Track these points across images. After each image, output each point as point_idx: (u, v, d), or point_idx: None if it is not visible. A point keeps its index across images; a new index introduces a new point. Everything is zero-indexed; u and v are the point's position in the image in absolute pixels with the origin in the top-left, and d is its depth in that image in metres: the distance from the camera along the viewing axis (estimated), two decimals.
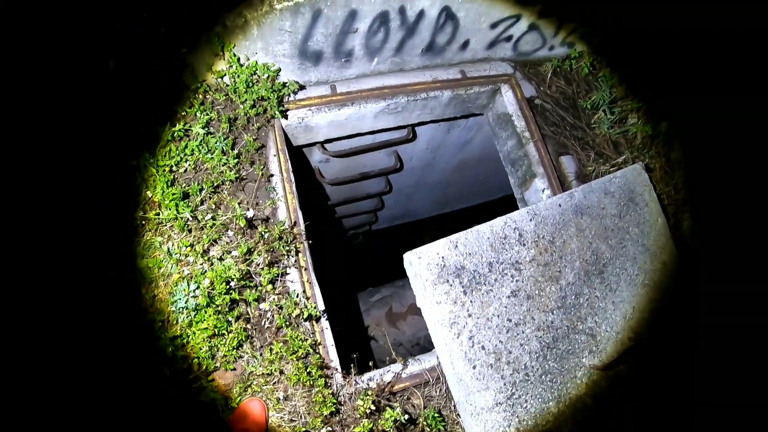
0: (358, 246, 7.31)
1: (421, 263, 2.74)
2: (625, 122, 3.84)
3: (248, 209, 2.80)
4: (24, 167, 2.56)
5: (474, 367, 2.70)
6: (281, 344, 2.63)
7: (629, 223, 3.27)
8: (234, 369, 2.61)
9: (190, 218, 2.72)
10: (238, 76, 3.04)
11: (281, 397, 2.61)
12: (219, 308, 2.54)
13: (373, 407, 2.57)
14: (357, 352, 2.93)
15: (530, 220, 3.01)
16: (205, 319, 2.51)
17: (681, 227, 3.66)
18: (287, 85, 3.21)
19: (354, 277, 7.35)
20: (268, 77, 3.12)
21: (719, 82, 3.46)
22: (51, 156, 2.64)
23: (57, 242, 2.54)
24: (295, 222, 2.99)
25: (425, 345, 6.69)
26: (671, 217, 3.58)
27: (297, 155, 4.09)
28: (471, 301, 2.76)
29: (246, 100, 3.06)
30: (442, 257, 2.77)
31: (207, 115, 2.96)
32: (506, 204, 3.44)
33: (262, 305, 2.69)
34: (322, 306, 2.86)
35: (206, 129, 2.93)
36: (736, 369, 3.08)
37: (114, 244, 2.64)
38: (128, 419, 2.39)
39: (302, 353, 2.63)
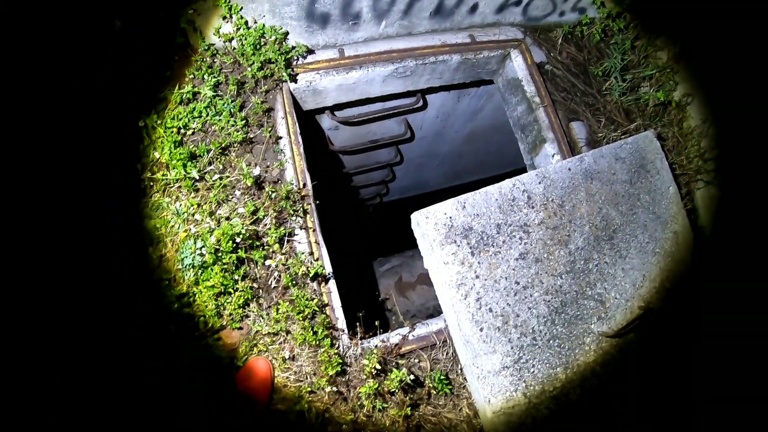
0: (369, 217, 7.31)
1: (428, 223, 2.72)
2: (637, 90, 3.79)
3: (255, 168, 2.79)
4: (30, 127, 2.57)
5: (481, 330, 2.69)
6: (288, 304, 2.63)
7: (640, 190, 3.23)
8: (240, 328, 2.61)
9: (198, 178, 2.72)
10: (246, 39, 3.03)
11: (287, 357, 2.61)
12: (226, 266, 2.55)
13: (379, 367, 2.57)
14: (367, 318, 2.92)
15: (539, 182, 2.98)
16: (211, 277, 2.51)
17: (693, 197, 3.62)
18: (295, 48, 3.19)
19: (365, 247, 7.36)
20: (275, 40, 3.10)
21: (737, 53, 3.41)
22: (59, 118, 2.64)
23: (64, 204, 2.54)
24: (303, 184, 2.98)
25: (434, 315, 6.69)
26: (683, 187, 3.54)
27: (308, 122, 4.08)
28: (479, 263, 2.75)
29: (254, 62, 3.05)
30: (450, 217, 2.75)
31: (215, 77, 2.95)
32: None
33: (268, 262, 2.69)
34: (329, 267, 2.85)
35: (214, 91, 2.93)
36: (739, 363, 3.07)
37: (122, 205, 2.64)
38: (133, 376, 2.40)
39: (308, 313, 2.63)
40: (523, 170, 3.91)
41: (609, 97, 3.78)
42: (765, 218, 3.18)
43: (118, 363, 2.40)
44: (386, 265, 7.32)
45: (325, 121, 4.27)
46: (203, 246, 2.53)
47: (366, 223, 7.39)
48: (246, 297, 2.58)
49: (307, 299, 2.64)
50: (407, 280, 7.07)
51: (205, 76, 2.95)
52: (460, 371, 2.88)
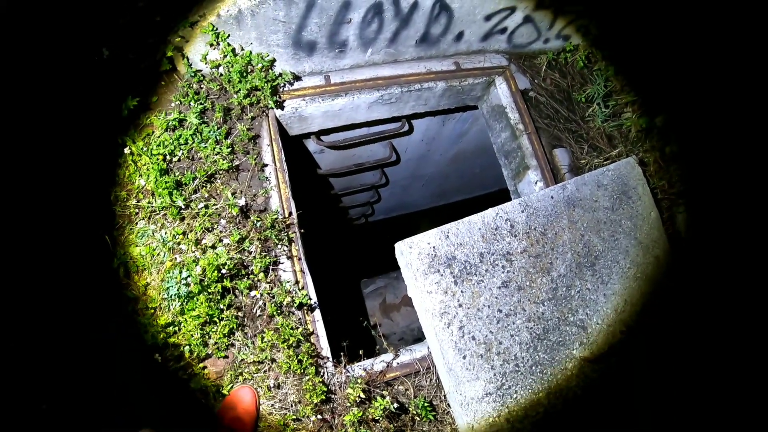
0: (355, 237, 7.32)
1: (412, 253, 2.75)
2: (619, 116, 3.84)
3: (240, 198, 2.81)
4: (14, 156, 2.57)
5: (464, 357, 2.71)
6: (273, 332, 2.64)
7: (622, 216, 3.28)
8: (226, 357, 2.63)
9: (183, 207, 2.73)
10: (232, 66, 3.05)
11: (272, 385, 2.63)
12: (211, 296, 2.56)
13: (363, 396, 2.59)
14: (353, 341, 2.94)
15: (522, 211, 3.02)
16: (196, 307, 2.52)
17: (674, 222, 3.67)
18: (282, 75, 3.22)
19: (350, 268, 7.36)
20: (262, 67, 3.13)
21: (717, 76, 3.47)
22: (43, 147, 2.65)
23: (47, 232, 2.55)
24: (289, 212, 3.00)
25: (419, 336, 6.72)
26: (664, 212, 3.59)
27: (294, 145, 4.10)
28: (462, 291, 2.78)
29: (240, 90, 3.07)
30: (433, 247, 2.79)
31: (201, 104, 2.97)
32: (503, 197, 3.47)
33: (254, 293, 2.70)
34: (313, 295, 2.87)
35: (200, 119, 2.94)
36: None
37: (107, 231, 2.65)
38: (118, 405, 2.41)
39: (293, 342, 2.64)
40: (507, 190, 3.95)
41: (592, 123, 3.84)
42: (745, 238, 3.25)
43: (101, 391, 2.41)
44: (371, 286, 7.33)
45: (311, 144, 4.29)
46: (189, 276, 2.54)
47: (351, 244, 7.40)
48: (231, 326, 2.59)
49: (292, 328, 2.66)
50: (391, 302, 7.09)
51: (192, 103, 2.96)
52: (443, 398, 2.90)
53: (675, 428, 3.10)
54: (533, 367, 2.84)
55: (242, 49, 3.09)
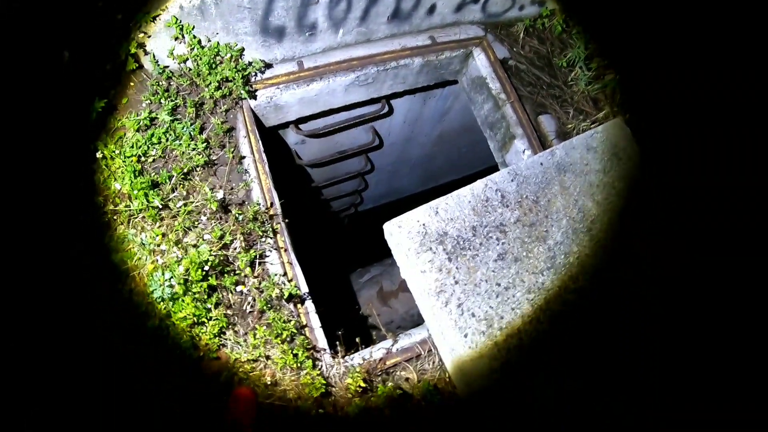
0: (346, 227, 7.25)
1: (401, 232, 2.66)
2: (603, 78, 3.75)
3: (219, 192, 2.71)
4: None
5: (465, 336, 2.63)
6: (265, 328, 2.55)
7: (614, 178, 3.20)
8: (218, 358, 2.53)
9: (161, 207, 2.63)
10: (201, 59, 2.96)
11: (269, 383, 2.53)
12: (197, 296, 2.46)
13: (364, 385, 2.51)
14: (351, 334, 2.86)
15: (512, 180, 2.93)
16: (183, 308, 2.43)
17: (667, 178, 3.60)
18: (252, 63, 3.12)
19: (344, 259, 7.29)
20: (231, 57, 3.03)
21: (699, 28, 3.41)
22: (9, 160, 2.55)
23: (24, 245, 2.45)
24: (271, 203, 2.90)
25: (419, 321, 6.64)
26: (656, 170, 3.51)
27: (273, 139, 4.01)
28: (457, 268, 2.69)
29: (210, 82, 2.97)
30: (423, 224, 2.69)
31: (172, 101, 2.88)
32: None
33: (241, 288, 2.61)
34: (304, 286, 2.78)
35: (172, 115, 2.85)
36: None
37: (86, 241, 2.55)
38: (111, 417, 2.31)
39: (287, 336, 2.56)
40: (496, 168, 3.87)
41: (575, 88, 3.75)
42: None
43: (91, 407, 2.31)
44: (366, 275, 7.26)
45: (291, 136, 4.20)
46: (172, 277, 2.45)
47: (343, 234, 7.33)
48: (221, 325, 2.49)
49: (284, 322, 2.56)
50: (388, 289, 7.01)
51: (162, 100, 2.86)
52: (448, 380, 2.81)
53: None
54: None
55: (209, 41, 3.00)
